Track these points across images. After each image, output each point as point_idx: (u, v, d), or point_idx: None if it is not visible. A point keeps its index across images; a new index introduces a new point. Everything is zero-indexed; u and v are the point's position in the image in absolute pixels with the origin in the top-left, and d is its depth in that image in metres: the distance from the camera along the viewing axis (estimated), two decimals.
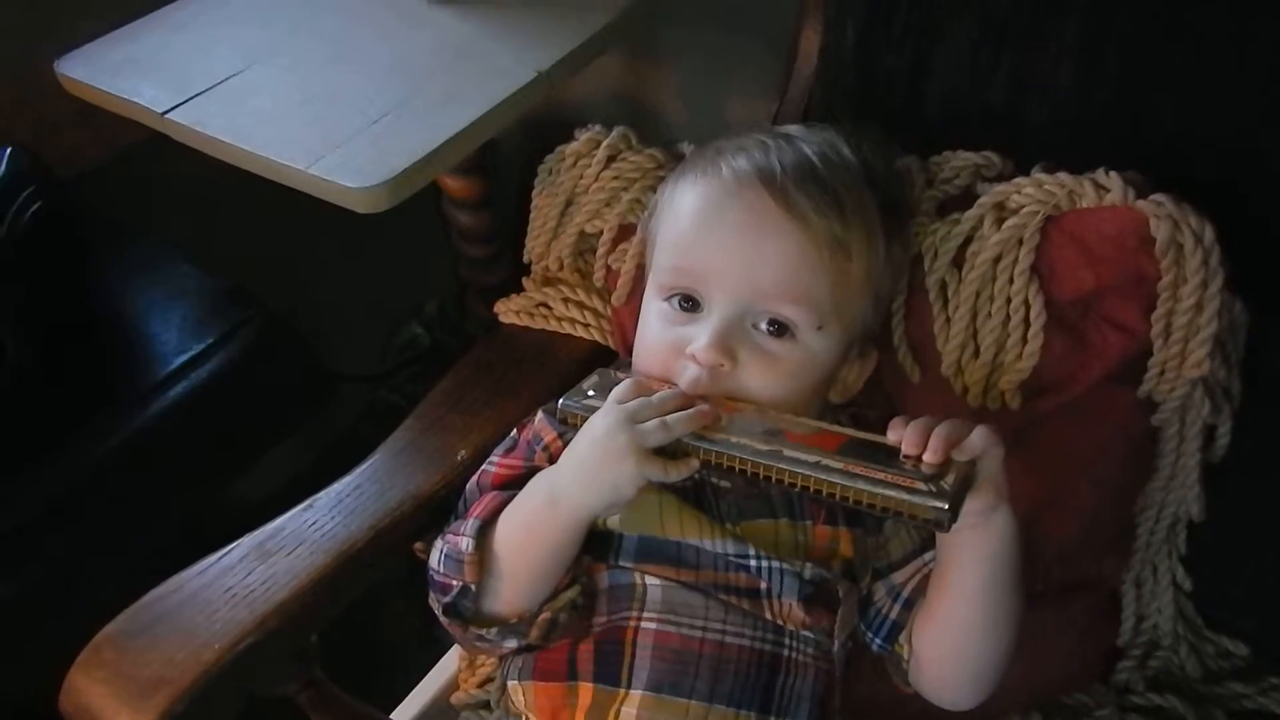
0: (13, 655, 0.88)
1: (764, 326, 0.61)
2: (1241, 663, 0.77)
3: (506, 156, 1.10)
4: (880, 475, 0.54)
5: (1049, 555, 0.71)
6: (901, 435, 0.55)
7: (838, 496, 0.54)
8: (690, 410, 0.58)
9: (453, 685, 0.84)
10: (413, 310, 1.38)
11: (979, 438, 0.55)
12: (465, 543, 0.61)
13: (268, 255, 1.23)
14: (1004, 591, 0.59)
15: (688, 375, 0.61)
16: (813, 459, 0.55)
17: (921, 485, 0.53)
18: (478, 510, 0.63)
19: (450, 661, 0.87)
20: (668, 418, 0.57)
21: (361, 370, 1.34)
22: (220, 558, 0.65)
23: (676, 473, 0.57)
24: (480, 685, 0.82)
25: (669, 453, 0.57)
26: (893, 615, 0.64)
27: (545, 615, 0.60)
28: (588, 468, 0.58)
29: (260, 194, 1.14)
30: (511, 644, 0.63)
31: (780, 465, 0.55)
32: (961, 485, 0.54)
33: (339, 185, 0.75)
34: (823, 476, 0.54)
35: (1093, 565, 0.73)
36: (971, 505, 0.55)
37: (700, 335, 0.61)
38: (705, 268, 0.62)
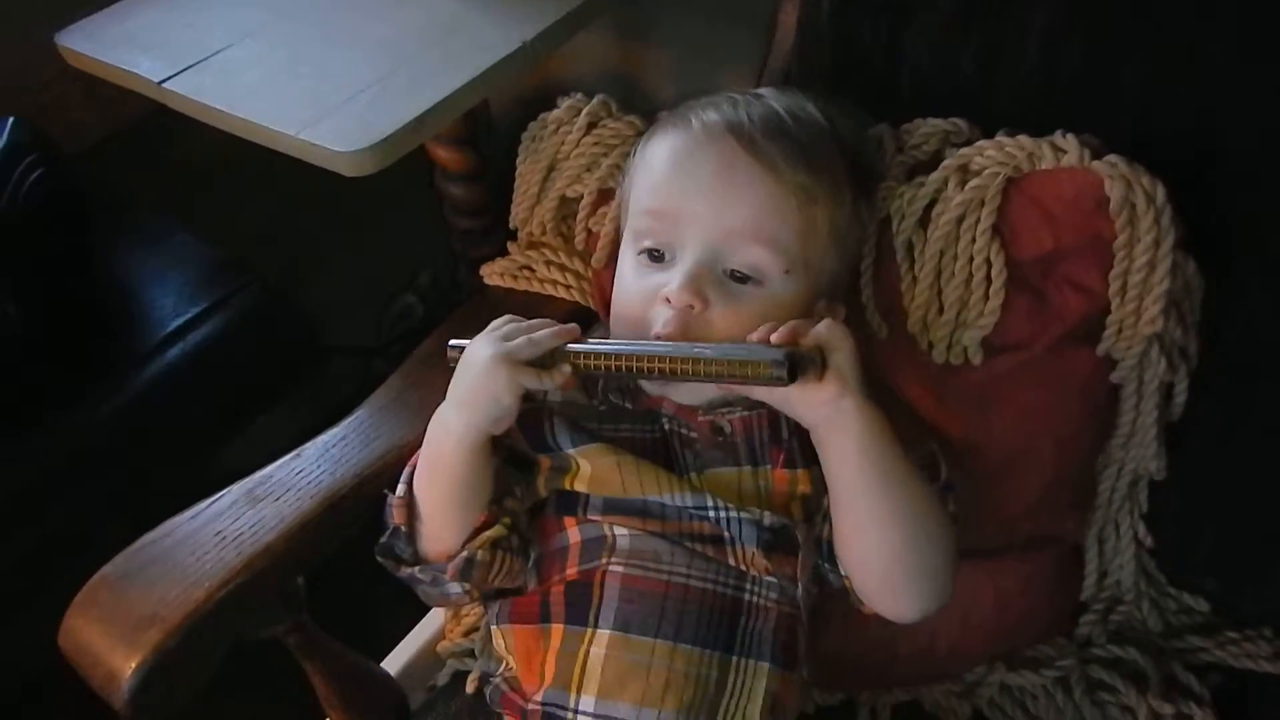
0: (16, 616, 0.91)
1: (733, 272, 0.64)
2: (1201, 618, 0.79)
3: (500, 133, 1.13)
4: (728, 349, 0.58)
5: (1014, 510, 0.73)
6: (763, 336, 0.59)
7: (690, 372, 0.58)
8: (557, 327, 0.62)
9: (439, 636, 0.87)
10: (407, 282, 1.40)
11: (824, 327, 0.59)
12: (398, 488, 0.64)
13: (265, 231, 1.26)
14: (883, 482, 0.60)
15: (660, 319, 0.63)
16: (670, 348, 0.59)
17: (760, 348, 0.58)
18: (414, 458, 0.65)
19: (437, 614, 0.90)
20: (535, 335, 0.61)
21: (360, 344, 1.36)
22: (211, 503, 0.67)
23: (550, 380, 0.60)
24: (465, 634, 0.85)
25: (545, 367, 0.61)
26: (825, 535, 0.65)
27: (463, 554, 0.62)
28: (469, 388, 0.61)
29: (256, 171, 1.17)
30: (450, 589, 0.64)
31: (640, 351, 0.59)
32: (804, 357, 0.58)
33: (327, 150, 0.78)
34: (674, 353, 0.58)
35: (1057, 521, 0.75)
36: (819, 393, 0.59)
37: (673, 279, 0.63)
38: (677, 212, 0.64)
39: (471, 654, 0.84)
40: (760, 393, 0.62)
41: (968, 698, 0.77)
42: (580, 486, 0.64)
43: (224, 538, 0.65)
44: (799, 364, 0.57)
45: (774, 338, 0.59)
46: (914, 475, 0.62)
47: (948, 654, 0.75)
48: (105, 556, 0.66)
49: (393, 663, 0.89)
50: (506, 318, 0.64)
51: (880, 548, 0.62)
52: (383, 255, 1.38)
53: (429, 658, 0.88)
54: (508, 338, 0.61)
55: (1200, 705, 0.73)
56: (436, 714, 0.81)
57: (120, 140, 1.18)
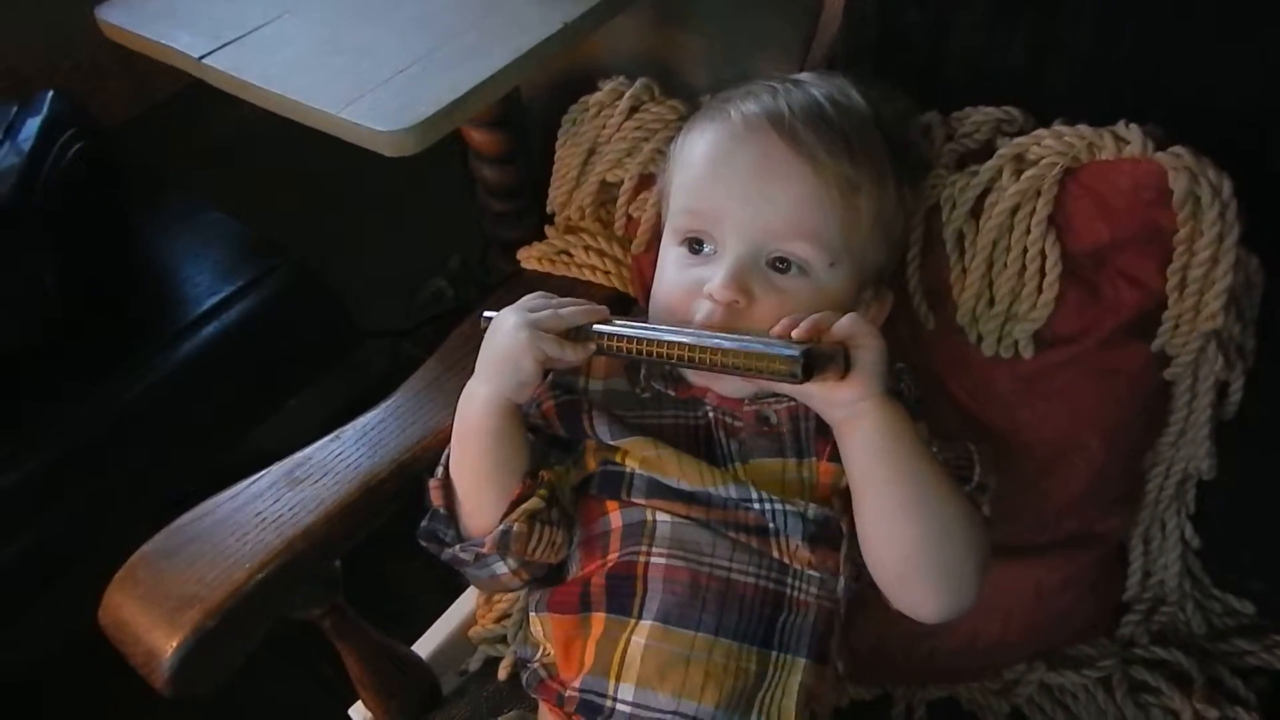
0: (52, 588, 0.91)
1: (777, 265, 0.63)
2: (1247, 620, 0.78)
3: (533, 117, 1.12)
4: (748, 342, 0.57)
5: (1059, 506, 0.72)
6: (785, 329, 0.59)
7: (708, 362, 0.57)
8: (585, 306, 0.62)
9: (470, 621, 0.87)
10: (436, 266, 1.40)
11: (848, 322, 0.58)
12: (437, 470, 0.65)
13: (293, 213, 1.26)
14: (899, 480, 0.59)
15: (702, 312, 0.62)
16: (693, 336, 0.58)
17: (779, 343, 0.56)
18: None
19: (468, 599, 0.90)
20: (562, 310, 0.62)
21: (392, 327, 1.36)
22: (250, 484, 0.67)
23: (573, 352, 0.60)
24: (497, 620, 0.84)
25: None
26: None
27: (499, 527, 0.62)
28: (492, 355, 0.62)
29: (285, 152, 1.16)
30: (495, 568, 0.64)
31: (662, 338, 0.59)
32: (823, 354, 0.57)
33: (369, 129, 0.77)
34: (694, 342, 0.58)
35: (1101, 519, 0.74)
36: (840, 392, 0.58)
37: (715, 274, 0.62)
38: (718, 211, 0.64)
39: (503, 640, 0.84)
40: (780, 387, 0.61)
41: (1006, 695, 0.76)
42: (630, 463, 0.64)
43: (264, 519, 0.65)
44: (816, 362, 0.56)
45: (795, 333, 0.57)
46: (936, 473, 0.60)
47: (987, 650, 0.74)
48: (138, 533, 0.66)
49: (423, 647, 0.89)
50: (538, 294, 0.65)
51: (894, 544, 0.61)
52: (412, 239, 1.38)
53: (460, 643, 0.88)
54: (535, 310, 0.62)
55: (1247, 709, 0.72)
56: (469, 699, 0.81)
57: (152, 117, 1.17)
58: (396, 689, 0.79)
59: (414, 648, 0.88)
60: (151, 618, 0.62)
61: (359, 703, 0.85)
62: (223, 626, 0.61)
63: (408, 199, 1.34)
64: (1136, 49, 0.70)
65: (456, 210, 1.28)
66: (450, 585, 0.95)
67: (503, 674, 0.81)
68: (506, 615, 0.84)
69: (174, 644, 0.60)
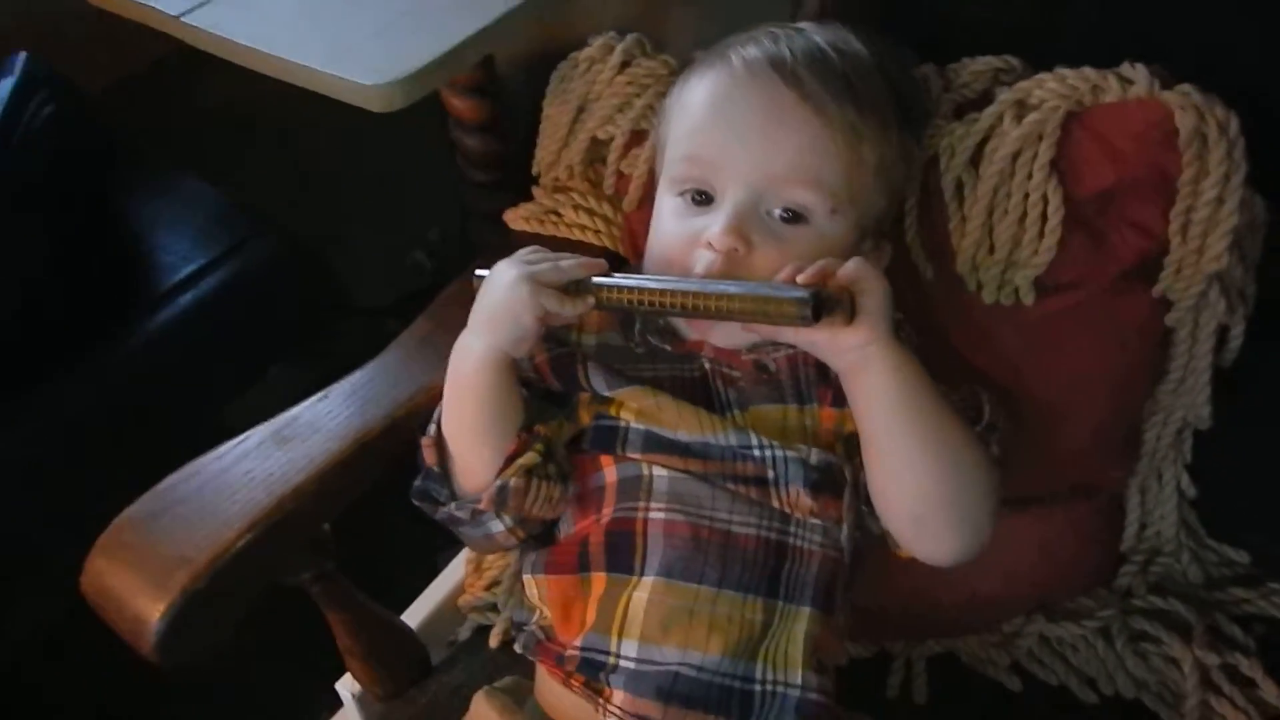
0: (29, 567, 0.88)
1: (777, 213, 0.62)
2: (1243, 570, 0.78)
3: (514, 89, 1.10)
4: (753, 287, 0.56)
5: (1062, 456, 0.72)
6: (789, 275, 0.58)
7: (714, 309, 0.56)
8: (584, 259, 0.61)
9: (459, 590, 0.85)
10: (417, 238, 1.38)
11: (853, 266, 0.57)
12: (429, 428, 0.63)
13: (274, 186, 1.23)
14: (912, 422, 0.59)
15: (702, 262, 0.61)
16: (697, 284, 0.57)
17: (786, 287, 0.56)
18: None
19: (457, 568, 0.88)
20: (561, 262, 0.60)
21: (369, 301, 1.33)
22: (237, 444, 0.65)
23: (572, 307, 0.59)
24: (487, 588, 0.83)
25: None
26: (865, 477, 0.64)
27: (496, 483, 0.60)
28: (490, 308, 0.61)
29: (266, 125, 1.14)
30: (491, 526, 0.62)
31: (665, 287, 0.58)
32: (831, 298, 0.56)
33: (354, 83, 0.75)
34: (699, 289, 0.57)
35: (1104, 469, 0.74)
36: (847, 338, 0.57)
37: (715, 222, 0.61)
38: (718, 156, 0.62)
39: (493, 608, 0.82)
40: (787, 334, 0.60)
41: (1006, 648, 0.75)
42: (626, 416, 0.63)
43: (253, 478, 0.63)
44: (824, 304, 0.55)
45: (801, 278, 0.57)
46: (948, 414, 0.60)
47: (987, 603, 0.74)
48: (117, 501, 0.63)
49: (411, 617, 0.87)
50: (534, 247, 0.63)
51: (911, 487, 0.60)
52: (393, 212, 1.36)
53: (449, 612, 0.86)
54: (533, 263, 0.61)
55: (1246, 655, 0.72)
56: (460, 668, 0.79)
57: (134, 84, 1.14)
58: (387, 659, 0.77)
59: (402, 618, 0.86)
60: (137, 582, 0.59)
61: (346, 676, 0.83)
62: (212, 589, 0.59)
63: (389, 171, 1.31)
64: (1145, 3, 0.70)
65: (437, 183, 1.26)
66: (436, 556, 0.94)
67: (494, 641, 0.79)
68: (496, 582, 0.83)
69: (162, 607, 0.58)
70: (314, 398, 0.69)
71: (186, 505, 0.62)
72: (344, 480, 0.65)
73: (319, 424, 0.66)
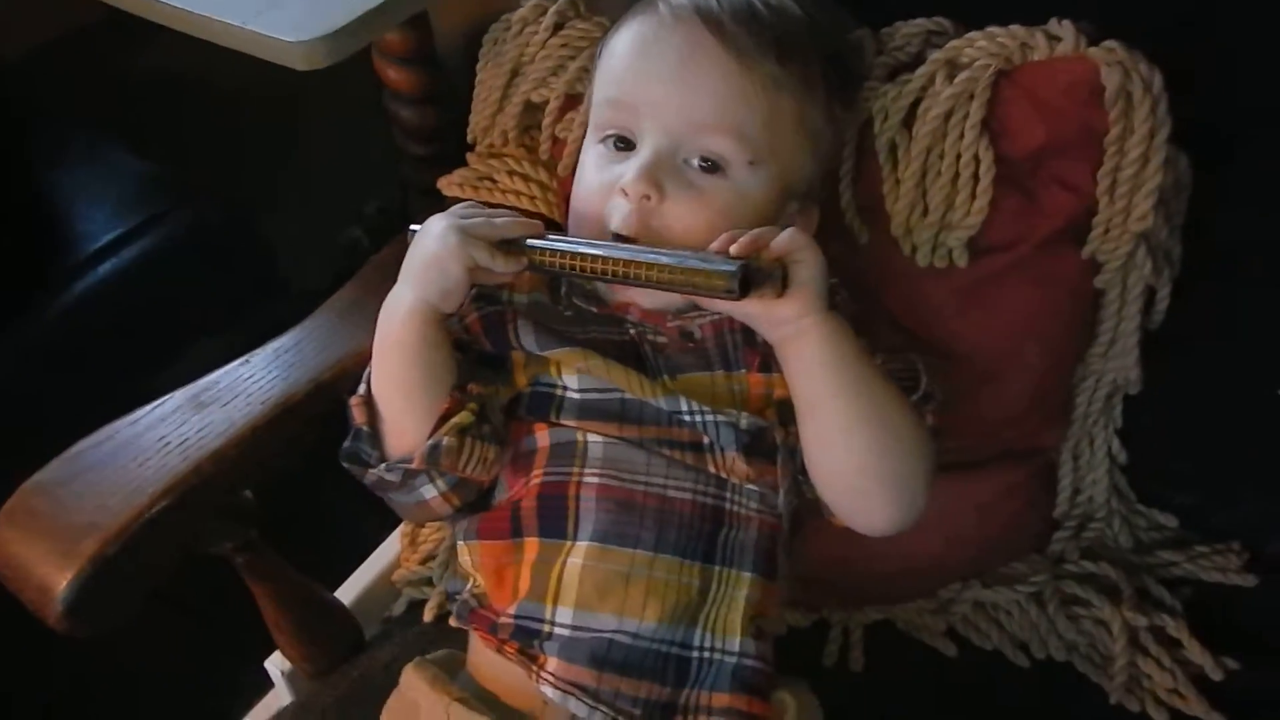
0: None
1: (695, 162, 0.61)
2: (1171, 534, 0.79)
3: (455, 61, 1.08)
4: (684, 257, 0.55)
5: (997, 419, 0.72)
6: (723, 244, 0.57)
7: (643, 278, 0.56)
8: (519, 218, 0.60)
9: (395, 566, 0.84)
10: (354, 214, 1.35)
11: (787, 237, 0.57)
12: (359, 388, 0.61)
13: (207, 159, 1.20)
14: (846, 392, 0.59)
15: (618, 213, 0.61)
16: (629, 251, 0.57)
17: (717, 259, 0.55)
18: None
19: (393, 543, 0.86)
20: (495, 219, 0.59)
21: (305, 275, 1.30)
22: (153, 409, 0.63)
23: (504, 263, 0.58)
24: (422, 562, 0.81)
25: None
26: (798, 443, 0.63)
27: (430, 442, 0.59)
28: (419, 259, 0.60)
29: (197, 98, 1.10)
30: (423, 491, 0.61)
31: (596, 253, 0.57)
32: (761, 270, 0.55)
33: (278, 40, 0.72)
34: (630, 257, 0.56)
35: (1039, 432, 0.74)
36: (780, 310, 0.57)
37: (630, 169, 0.60)
38: (638, 99, 0.62)
39: (429, 582, 0.81)
40: (719, 304, 0.60)
41: (942, 615, 0.76)
42: (565, 375, 0.62)
43: (168, 443, 0.61)
44: (754, 278, 0.55)
45: (734, 249, 0.56)
46: (882, 385, 0.60)
47: (925, 569, 0.74)
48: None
49: (346, 594, 0.85)
50: (470, 202, 0.62)
51: (845, 458, 0.60)
52: (331, 186, 1.33)
53: (384, 588, 0.84)
54: (467, 217, 0.60)
55: (1174, 616, 0.73)
56: (393, 643, 0.77)
57: (57, 50, 1.10)
58: (316, 634, 0.75)
59: (336, 594, 0.84)
60: (44, 549, 0.57)
61: (276, 653, 0.81)
62: (124, 557, 0.57)
63: (328, 146, 1.29)
64: None
65: (374, 158, 1.24)
66: (374, 533, 0.92)
67: (429, 616, 0.78)
68: (432, 556, 0.81)
69: (69, 575, 0.56)
70: (236, 362, 0.67)
71: (97, 471, 0.59)
72: (265, 445, 0.63)
73: (239, 388, 0.64)
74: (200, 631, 0.93)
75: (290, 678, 0.79)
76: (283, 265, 1.26)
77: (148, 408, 0.63)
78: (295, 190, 1.33)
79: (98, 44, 1.02)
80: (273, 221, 1.25)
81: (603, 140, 0.64)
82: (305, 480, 0.69)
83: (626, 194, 0.60)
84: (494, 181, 0.81)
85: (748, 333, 0.63)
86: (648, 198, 0.60)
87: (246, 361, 0.66)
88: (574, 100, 0.76)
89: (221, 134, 1.19)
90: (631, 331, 0.64)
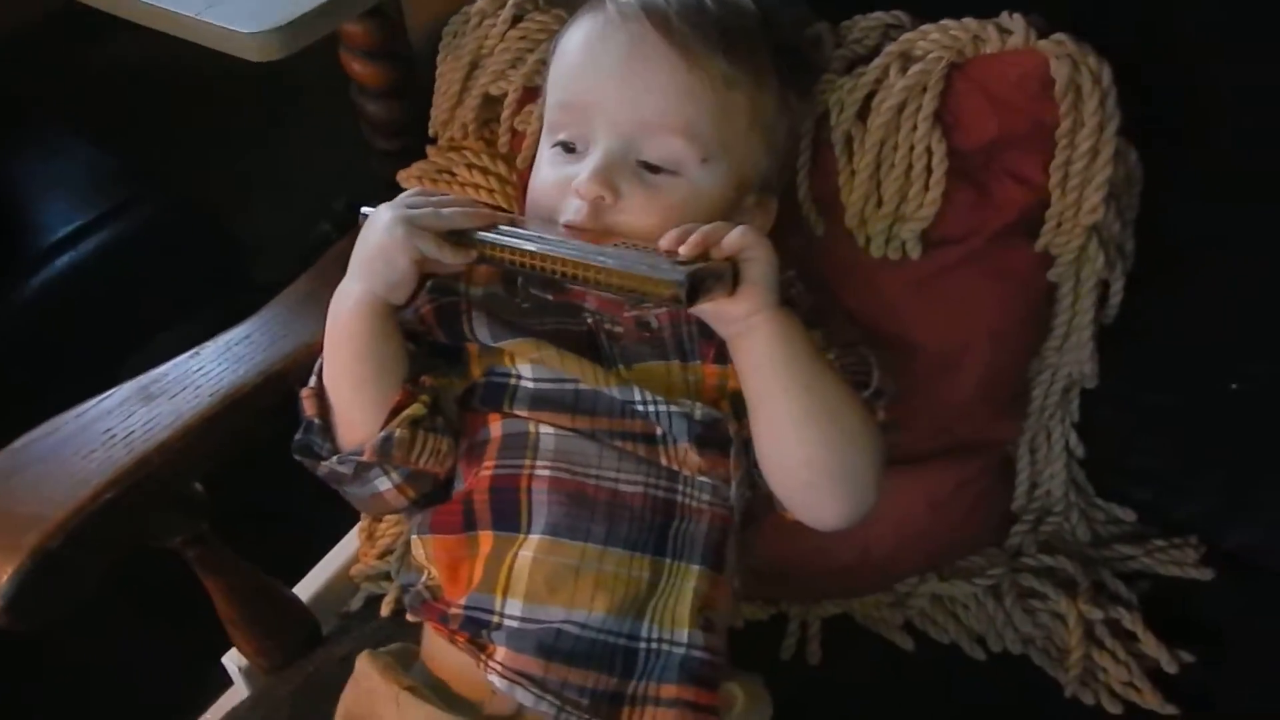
0: None
1: (648, 161, 0.61)
2: (1129, 528, 0.80)
3: (424, 58, 1.08)
4: (631, 258, 0.55)
5: (949, 412, 0.72)
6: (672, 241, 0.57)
7: (590, 281, 0.55)
8: (468, 208, 0.60)
9: (354, 560, 0.83)
10: (323, 209, 1.34)
11: (737, 235, 0.56)
12: (310, 380, 0.61)
13: (176, 155, 1.19)
14: (796, 387, 0.58)
15: (570, 209, 0.61)
16: (576, 251, 0.56)
17: (665, 264, 0.54)
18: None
19: (353, 539, 0.86)
20: (444, 209, 0.59)
21: (273, 271, 1.29)
22: (99, 401, 0.62)
23: (452, 255, 0.58)
24: (380, 557, 0.81)
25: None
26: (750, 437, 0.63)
27: (381, 434, 0.59)
28: (366, 252, 0.59)
29: (174, 90, 1.09)
30: (377, 483, 0.61)
31: (545, 251, 0.56)
32: (711, 271, 0.55)
33: (232, 31, 0.72)
34: (579, 257, 0.55)
35: (991, 425, 0.74)
36: (731, 308, 0.57)
37: (583, 169, 0.60)
38: (588, 101, 0.62)
39: (387, 577, 0.80)
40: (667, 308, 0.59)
41: (899, 608, 0.76)
42: (519, 365, 0.62)
43: (114, 436, 0.60)
44: (701, 284, 0.54)
45: (683, 249, 0.55)
46: (833, 381, 0.60)
47: (881, 563, 0.74)
48: None
49: (305, 589, 0.85)
50: (417, 189, 0.61)
51: (795, 453, 0.60)
52: (301, 181, 1.32)
53: (343, 583, 0.84)
54: (414, 207, 0.59)
55: (1129, 610, 0.73)
56: (350, 638, 0.77)
57: (20, 42, 1.09)
58: (271, 628, 0.75)
59: (295, 590, 0.83)
60: None
61: (233, 650, 0.80)
62: (66, 550, 0.57)
63: (298, 141, 1.28)
64: None
65: (344, 154, 1.23)
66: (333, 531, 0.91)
67: (386, 610, 0.78)
68: (390, 551, 0.81)
69: (11, 568, 0.55)
70: (186, 354, 0.66)
71: (41, 464, 0.59)
72: (213, 438, 0.63)
73: (188, 380, 0.64)
74: (160, 628, 0.92)
75: (247, 673, 0.79)
76: (254, 260, 1.26)
77: (94, 400, 0.62)
78: (267, 185, 1.32)
79: (60, 34, 1.01)
80: (245, 216, 1.25)
81: (556, 143, 0.63)
82: (270, 475, 0.68)
83: (579, 194, 0.60)
84: (453, 174, 0.80)
85: (704, 323, 0.62)
86: (602, 198, 0.60)
87: (196, 354, 0.66)
88: (532, 93, 0.76)
89: (191, 128, 1.18)
90: (589, 321, 0.64)
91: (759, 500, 0.64)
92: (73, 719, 0.96)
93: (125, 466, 0.59)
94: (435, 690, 0.61)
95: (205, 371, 0.64)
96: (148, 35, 0.79)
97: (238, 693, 0.84)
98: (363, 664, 0.64)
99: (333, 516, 0.79)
